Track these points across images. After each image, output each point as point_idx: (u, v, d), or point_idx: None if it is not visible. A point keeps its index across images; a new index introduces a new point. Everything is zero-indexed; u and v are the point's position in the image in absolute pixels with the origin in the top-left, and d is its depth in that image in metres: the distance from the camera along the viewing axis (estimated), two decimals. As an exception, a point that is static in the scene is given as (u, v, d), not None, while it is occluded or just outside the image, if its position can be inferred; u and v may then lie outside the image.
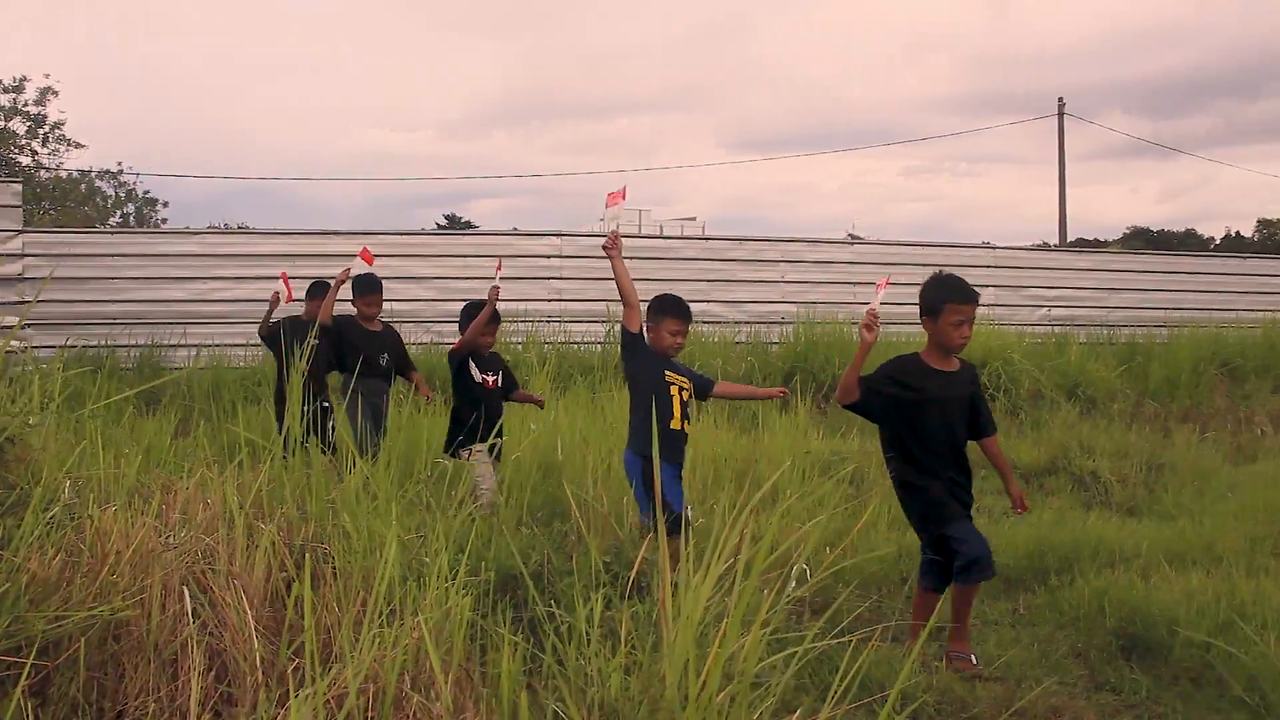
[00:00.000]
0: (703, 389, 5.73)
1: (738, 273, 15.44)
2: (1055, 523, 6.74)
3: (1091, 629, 5.11)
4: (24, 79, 29.16)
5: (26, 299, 12.58)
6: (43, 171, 30.01)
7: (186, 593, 3.41)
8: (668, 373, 5.47)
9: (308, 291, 8.18)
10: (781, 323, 14.57)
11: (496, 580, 4.16)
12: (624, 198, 5.38)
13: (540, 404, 7.24)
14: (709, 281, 15.05)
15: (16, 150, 29.62)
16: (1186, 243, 53.18)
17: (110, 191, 33.29)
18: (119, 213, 33.91)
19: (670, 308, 5.57)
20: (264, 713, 3.06)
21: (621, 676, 3.06)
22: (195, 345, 12.98)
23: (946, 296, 4.65)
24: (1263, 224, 55.81)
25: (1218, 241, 56.11)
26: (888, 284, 4.66)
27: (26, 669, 2.95)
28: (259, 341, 8.67)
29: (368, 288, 7.57)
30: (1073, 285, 17.10)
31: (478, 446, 6.34)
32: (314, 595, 3.35)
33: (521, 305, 13.59)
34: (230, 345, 12.77)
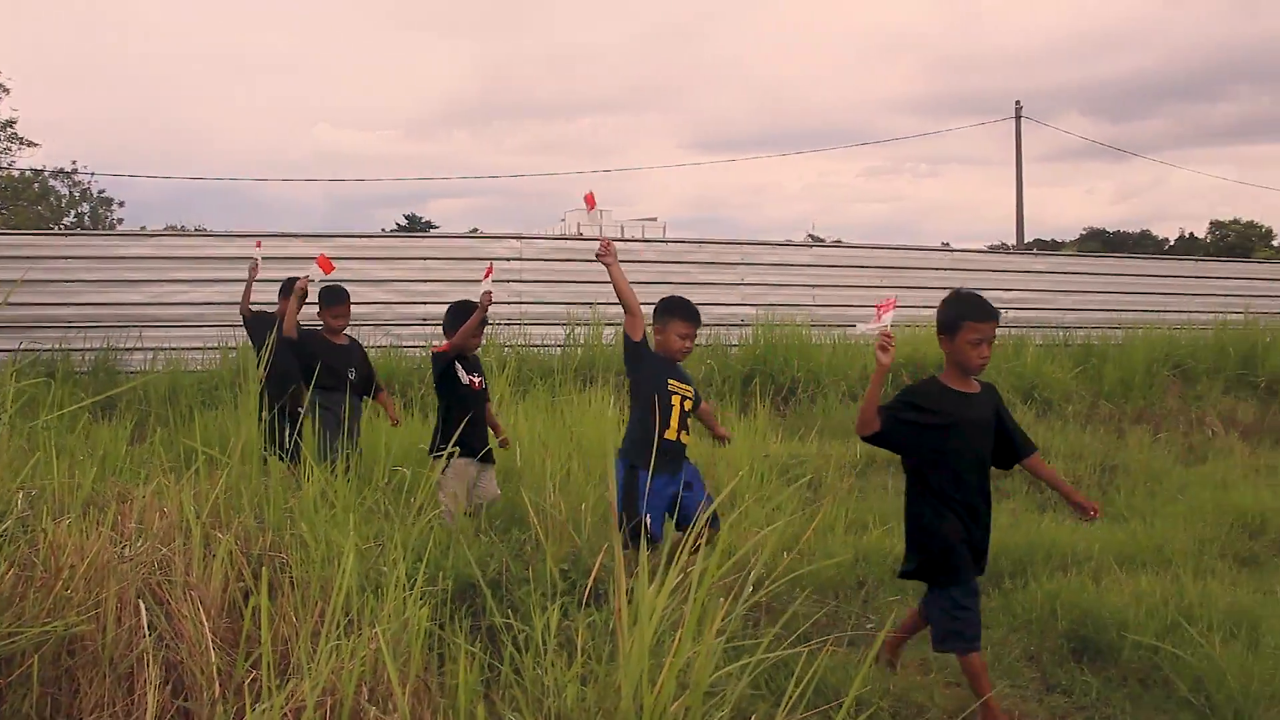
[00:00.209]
0: (696, 403, 5.59)
1: (697, 275, 15.47)
2: (1010, 526, 6.79)
3: (1044, 632, 5.19)
4: (-26, 76, 28.82)
5: (-23, 302, 12.40)
6: (-6, 170, 29.67)
7: (143, 605, 3.38)
8: (671, 381, 5.36)
9: (280, 290, 7.85)
10: (741, 325, 14.60)
11: (454, 589, 4.14)
12: (595, 203, 5.37)
13: (505, 444, 6.76)
14: (669, 284, 15.05)
15: (-33, 149, 29.24)
16: (1142, 244, 54.05)
17: (64, 191, 32.93)
18: (73, 213, 33.55)
19: (678, 310, 5.48)
20: (221, 726, 3.05)
21: (578, 687, 3.08)
22: (152, 349, 12.84)
23: (964, 314, 4.36)
24: (1215, 225, 56.89)
25: (1172, 243, 57.08)
26: (894, 305, 4.28)
27: (-21, 685, 2.93)
28: (216, 345, 8.56)
29: (334, 299, 7.24)
30: (1029, 287, 17.28)
31: (463, 461, 6.14)
32: (271, 606, 3.33)
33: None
34: (187, 349, 12.65)
